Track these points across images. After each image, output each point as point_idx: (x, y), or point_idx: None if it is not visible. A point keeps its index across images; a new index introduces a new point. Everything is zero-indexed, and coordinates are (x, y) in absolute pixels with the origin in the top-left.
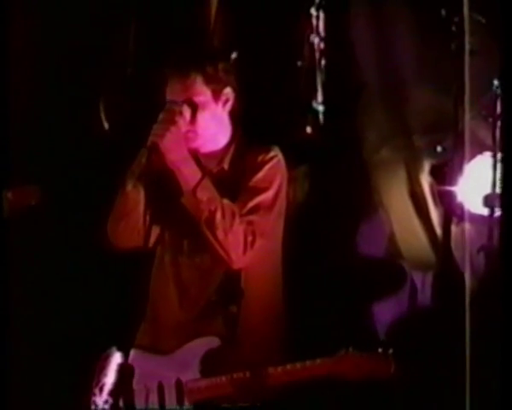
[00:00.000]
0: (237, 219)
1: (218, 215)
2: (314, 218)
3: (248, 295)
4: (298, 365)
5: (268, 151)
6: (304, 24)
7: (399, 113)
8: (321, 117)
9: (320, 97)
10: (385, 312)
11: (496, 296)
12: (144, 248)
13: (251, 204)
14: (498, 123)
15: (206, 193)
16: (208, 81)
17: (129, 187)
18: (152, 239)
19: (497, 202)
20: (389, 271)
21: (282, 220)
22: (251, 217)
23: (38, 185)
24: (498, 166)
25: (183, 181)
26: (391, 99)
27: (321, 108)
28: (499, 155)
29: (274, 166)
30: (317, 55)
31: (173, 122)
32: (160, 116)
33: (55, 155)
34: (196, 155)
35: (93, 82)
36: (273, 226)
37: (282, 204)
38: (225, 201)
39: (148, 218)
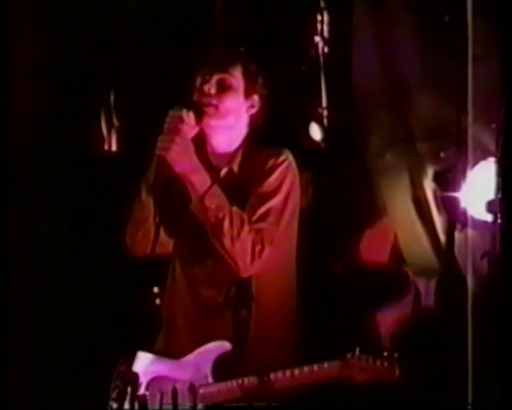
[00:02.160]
0: (246, 228)
1: (226, 223)
2: (317, 223)
3: (259, 300)
4: (305, 369)
5: (278, 155)
6: (308, 28)
7: (403, 118)
8: (325, 122)
9: (324, 102)
10: (389, 318)
11: (499, 302)
12: (161, 255)
13: (261, 211)
14: (502, 129)
15: (215, 200)
16: (246, 74)
17: (143, 195)
18: (169, 246)
19: (500, 208)
20: (393, 277)
21: (295, 224)
22: (260, 224)
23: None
24: (501, 172)
25: (191, 189)
26: (395, 105)
27: (325, 112)
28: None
29: (284, 171)
30: (322, 59)
31: (178, 132)
32: (165, 126)
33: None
34: (207, 156)
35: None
36: (284, 232)
37: (293, 208)
38: (234, 208)
39: (162, 225)
